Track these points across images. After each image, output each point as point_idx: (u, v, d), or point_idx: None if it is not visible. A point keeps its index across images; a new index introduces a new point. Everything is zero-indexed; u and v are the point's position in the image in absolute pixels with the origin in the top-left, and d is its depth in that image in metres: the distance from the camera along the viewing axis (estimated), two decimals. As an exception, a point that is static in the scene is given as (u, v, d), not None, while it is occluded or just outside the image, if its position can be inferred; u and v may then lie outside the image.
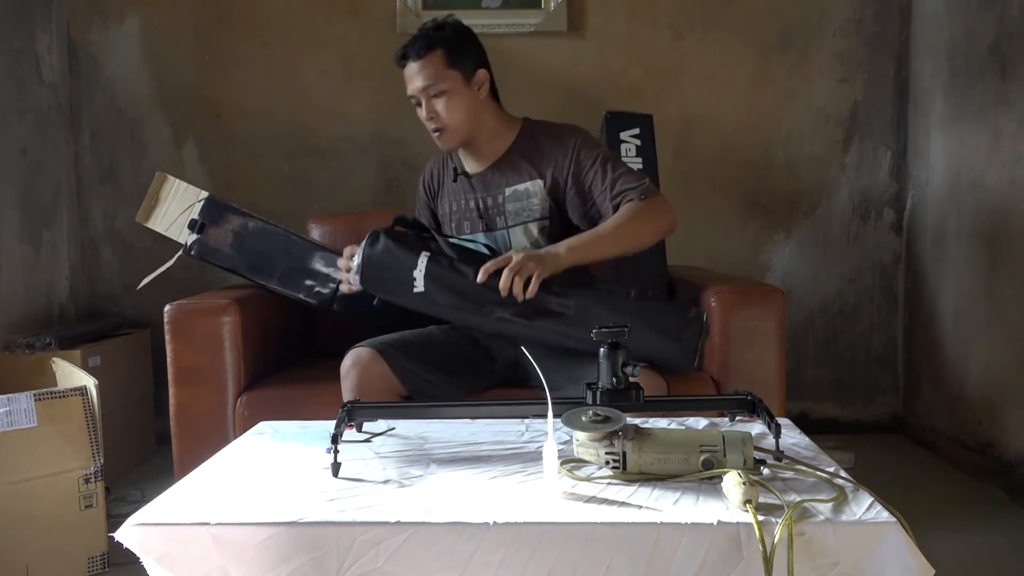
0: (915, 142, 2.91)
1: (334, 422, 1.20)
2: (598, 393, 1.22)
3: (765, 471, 1.09)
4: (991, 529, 2.14)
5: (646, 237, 1.76)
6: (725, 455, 1.07)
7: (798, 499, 0.99)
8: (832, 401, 3.02)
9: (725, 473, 1.03)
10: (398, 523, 0.96)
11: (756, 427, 1.31)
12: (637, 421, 1.26)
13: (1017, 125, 2.34)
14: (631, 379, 1.23)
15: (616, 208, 1.75)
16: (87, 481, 1.91)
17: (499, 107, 1.90)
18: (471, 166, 1.91)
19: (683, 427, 1.36)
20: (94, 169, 2.94)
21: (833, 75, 2.94)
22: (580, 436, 1.12)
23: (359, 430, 1.32)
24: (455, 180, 1.93)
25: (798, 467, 1.12)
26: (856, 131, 2.96)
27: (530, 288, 1.60)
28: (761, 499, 0.98)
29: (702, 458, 1.07)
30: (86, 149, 2.94)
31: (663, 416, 1.43)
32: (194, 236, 1.95)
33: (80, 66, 2.91)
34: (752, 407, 1.27)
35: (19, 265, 2.62)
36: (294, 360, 2.15)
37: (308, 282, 2.01)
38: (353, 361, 1.69)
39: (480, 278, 1.62)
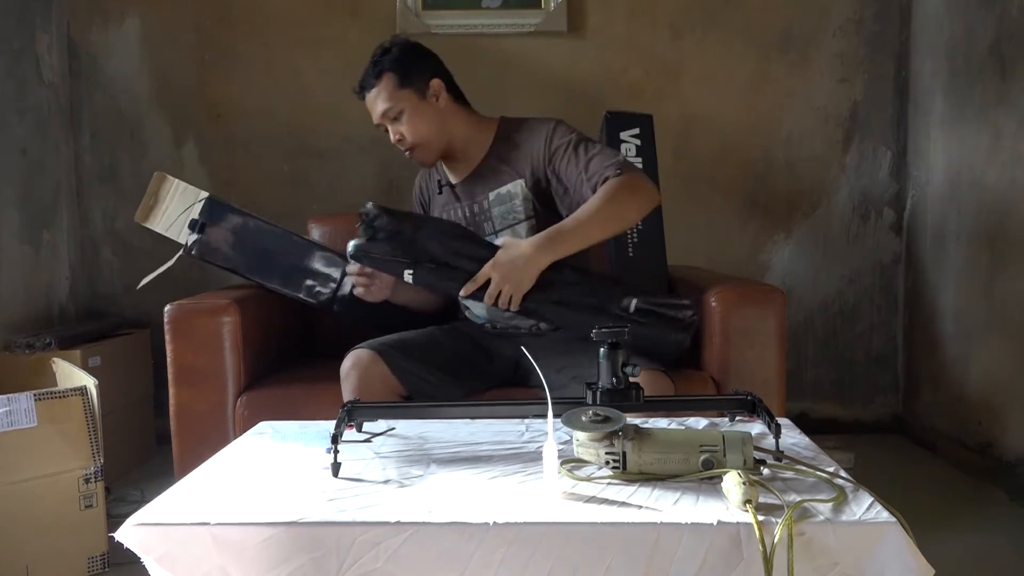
0: (915, 142, 2.91)
1: (334, 422, 1.20)
2: (598, 393, 1.22)
3: (765, 471, 1.09)
4: (991, 529, 2.14)
5: (630, 215, 1.73)
6: (725, 455, 1.07)
7: (798, 499, 0.99)
8: (832, 401, 3.02)
9: (725, 473, 1.03)
10: (398, 523, 0.96)
11: (756, 427, 1.31)
12: (637, 421, 1.26)
13: (1017, 125, 2.34)
14: (631, 379, 1.23)
15: (595, 190, 1.73)
16: (87, 481, 1.91)
17: (468, 111, 1.90)
18: (454, 176, 1.93)
19: (683, 427, 1.36)
20: (94, 169, 2.94)
21: (833, 75, 2.94)
22: (580, 436, 1.12)
23: (359, 430, 1.32)
24: (440, 192, 1.94)
25: (798, 467, 1.12)
26: (856, 131, 2.96)
27: (512, 307, 1.64)
28: (761, 499, 0.98)
29: (702, 458, 1.07)
30: (86, 149, 2.94)
31: (663, 416, 1.43)
32: (194, 236, 1.95)
33: (80, 66, 2.91)
34: (752, 407, 1.27)
35: (19, 265, 2.62)
36: (294, 360, 2.15)
37: (308, 282, 2.01)
38: (353, 363, 1.69)
39: (462, 293, 1.67)
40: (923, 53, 2.85)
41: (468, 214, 1.89)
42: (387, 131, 1.86)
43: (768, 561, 0.91)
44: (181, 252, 1.97)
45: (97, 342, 2.51)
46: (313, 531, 0.97)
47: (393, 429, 1.36)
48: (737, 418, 1.36)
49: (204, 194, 1.97)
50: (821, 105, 2.95)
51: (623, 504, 1.01)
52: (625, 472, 1.09)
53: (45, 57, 2.78)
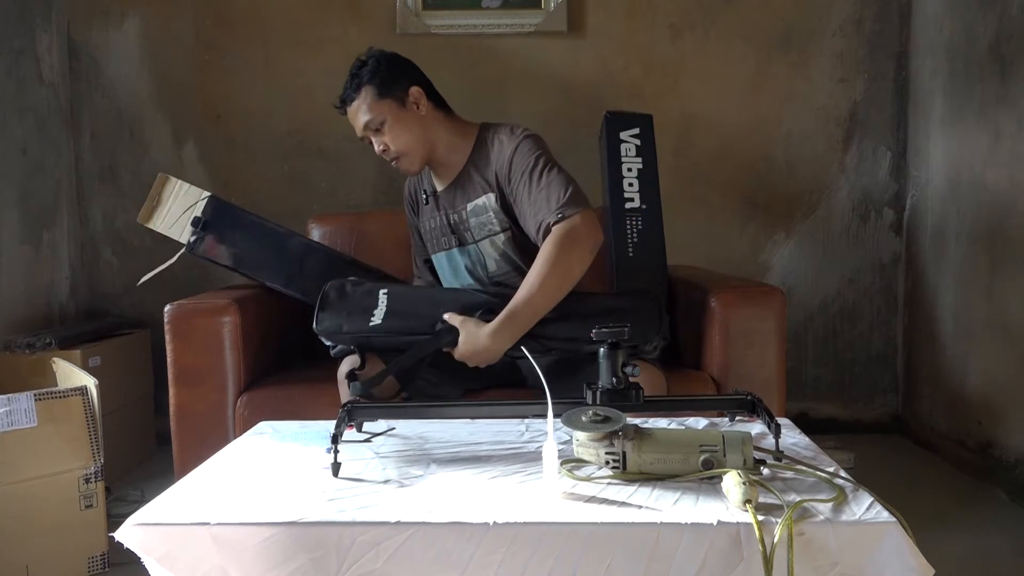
0: (915, 142, 2.91)
1: (334, 422, 1.20)
2: (598, 393, 1.22)
3: (765, 471, 1.09)
4: (991, 529, 2.14)
5: (574, 271, 1.65)
6: (725, 455, 1.07)
7: (798, 499, 0.99)
8: (832, 401, 3.02)
9: (725, 473, 1.03)
10: (398, 523, 0.97)
11: (756, 427, 1.31)
12: (637, 421, 1.26)
13: (1017, 125, 2.34)
14: (631, 379, 1.23)
15: (541, 234, 1.69)
16: (87, 481, 1.91)
17: (450, 117, 1.89)
18: (439, 182, 1.93)
19: (683, 427, 1.36)
20: (94, 169, 2.94)
21: (833, 75, 2.94)
22: (580, 436, 1.12)
23: (359, 430, 1.32)
24: (427, 202, 1.95)
25: (798, 467, 1.12)
26: (856, 131, 2.96)
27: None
28: (761, 499, 0.98)
29: (702, 458, 1.07)
30: (86, 149, 2.94)
31: (663, 416, 1.43)
32: (196, 235, 1.95)
33: (80, 66, 2.91)
34: (752, 407, 1.27)
35: (19, 265, 2.62)
36: (294, 360, 2.15)
37: (309, 282, 2.01)
38: (351, 363, 1.69)
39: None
40: (923, 53, 2.85)
41: (452, 222, 1.90)
42: (371, 143, 1.86)
43: (768, 561, 0.91)
44: (183, 250, 1.97)
45: (97, 342, 2.51)
46: (313, 531, 0.97)
47: (393, 429, 1.37)
48: (737, 418, 1.36)
49: (206, 194, 1.98)
50: (821, 105, 2.95)
51: (623, 504, 1.01)
52: (625, 472, 1.09)
53: (45, 57, 2.78)
